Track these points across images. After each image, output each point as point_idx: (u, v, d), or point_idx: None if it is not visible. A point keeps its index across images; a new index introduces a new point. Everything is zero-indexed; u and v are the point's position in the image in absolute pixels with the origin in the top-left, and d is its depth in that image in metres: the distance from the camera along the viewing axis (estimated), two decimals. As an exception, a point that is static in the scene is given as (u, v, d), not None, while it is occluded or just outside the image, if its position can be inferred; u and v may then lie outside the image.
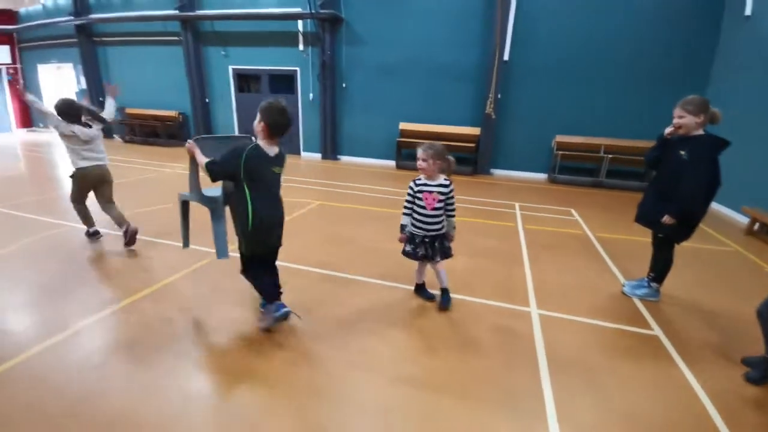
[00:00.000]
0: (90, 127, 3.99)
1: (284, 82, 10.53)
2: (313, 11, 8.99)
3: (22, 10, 13.46)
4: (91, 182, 4.10)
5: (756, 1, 6.29)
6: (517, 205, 6.48)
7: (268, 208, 2.55)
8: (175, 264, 3.72)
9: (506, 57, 8.43)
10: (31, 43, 13.53)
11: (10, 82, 13.85)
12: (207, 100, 11.43)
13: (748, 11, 6.40)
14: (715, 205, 6.45)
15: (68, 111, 3.84)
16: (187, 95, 11.32)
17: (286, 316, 2.72)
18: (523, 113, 8.83)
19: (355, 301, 3.21)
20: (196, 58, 10.90)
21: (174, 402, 2.10)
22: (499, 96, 8.60)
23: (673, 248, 3.25)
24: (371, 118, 9.93)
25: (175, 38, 10.96)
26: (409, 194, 2.96)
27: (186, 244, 3.52)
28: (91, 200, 4.20)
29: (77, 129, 3.85)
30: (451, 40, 8.81)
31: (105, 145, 4.24)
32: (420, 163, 2.84)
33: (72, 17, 11.73)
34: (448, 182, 2.90)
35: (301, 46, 9.93)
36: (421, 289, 3.31)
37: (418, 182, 2.91)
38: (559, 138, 8.56)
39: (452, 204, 2.95)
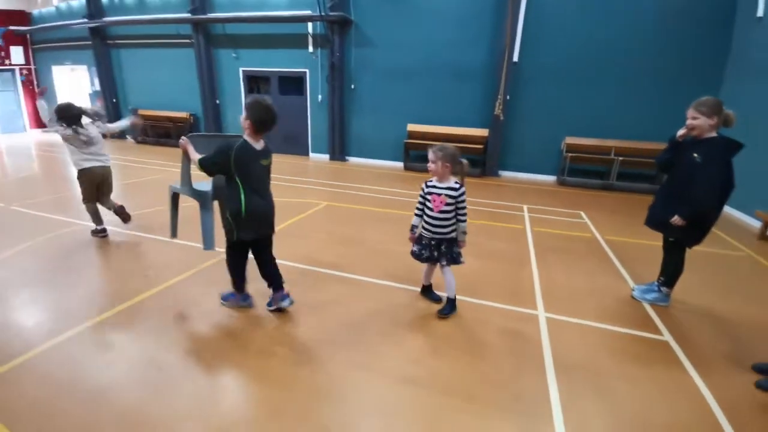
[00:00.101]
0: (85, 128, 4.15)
1: (293, 84, 10.60)
2: (322, 14, 9.04)
3: (35, 11, 13.72)
4: (96, 181, 4.26)
5: (769, 2, 6.19)
6: (525, 207, 6.44)
7: (259, 197, 2.72)
8: (185, 263, 3.76)
9: (516, 58, 8.39)
10: (45, 44, 13.78)
11: (23, 83, 14.10)
12: (218, 102, 11.54)
13: (760, 12, 6.30)
14: (727, 209, 6.35)
15: (67, 113, 3.99)
16: (198, 97, 11.45)
17: (249, 306, 3.05)
18: (532, 115, 8.78)
19: (362, 302, 3.22)
20: (208, 60, 11.03)
21: (181, 400, 2.12)
22: (508, 97, 8.56)
23: (684, 252, 3.21)
24: (379, 120, 9.95)
25: (187, 41, 11.10)
26: (420, 195, 2.96)
27: (174, 234, 3.70)
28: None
29: (80, 130, 4.01)
30: (460, 41, 8.79)
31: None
32: (429, 165, 2.84)
33: (86, 20, 11.93)
34: (458, 185, 2.83)
35: (310, 48, 9.99)
36: (427, 291, 3.31)
37: (428, 184, 2.91)
38: (569, 140, 8.49)
39: (463, 208, 2.87)
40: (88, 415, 1.99)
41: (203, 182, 3.25)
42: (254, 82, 11.24)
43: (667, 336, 2.91)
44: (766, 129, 5.83)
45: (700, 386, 2.38)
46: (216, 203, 3.22)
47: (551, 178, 8.97)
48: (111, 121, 5.16)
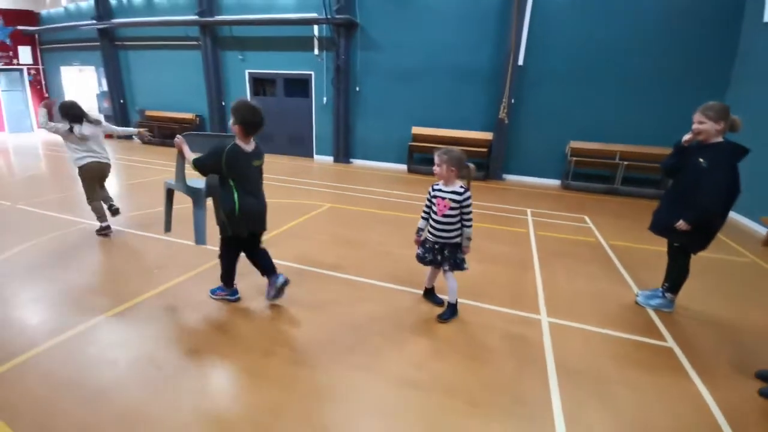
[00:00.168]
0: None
1: (299, 86, 10.65)
2: (328, 17, 9.10)
3: (43, 11, 13.86)
4: (93, 176, 4.39)
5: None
6: (529, 210, 6.43)
7: (251, 197, 2.82)
8: (189, 263, 3.78)
9: (521, 61, 8.39)
10: (53, 45, 13.92)
11: (31, 83, 14.24)
12: (223, 103, 11.61)
13: (767, 18, 6.28)
14: (732, 215, 6.30)
15: (70, 111, 4.17)
16: (205, 98, 11.53)
17: (236, 300, 3.13)
18: (536, 118, 8.77)
19: (364, 304, 3.22)
20: (214, 62, 11.11)
21: (182, 400, 2.13)
22: (512, 101, 8.56)
23: (689, 258, 3.18)
24: (384, 122, 9.98)
25: (194, 43, 11.19)
26: (427, 198, 2.96)
27: (168, 228, 3.81)
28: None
29: (75, 128, 4.16)
30: (465, 44, 8.81)
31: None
32: (434, 168, 2.83)
33: (95, 21, 12.05)
34: (462, 190, 2.80)
35: (316, 51, 10.04)
36: (429, 294, 3.30)
37: (435, 187, 2.90)
38: (574, 144, 8.47)
39: (468, 213, 2.82)
40: (88, 414, 2.00)
41: (197, 179, 3.33)
42: (260, 84, 11.31)
43: (670, 342, 2.88)
44: (772, 135, 5.79)
45: (704, 393, 2.36)
46: (210, 201, 3.32)
47: (555, 182, 8.95)
48: (118, 123, 5.27)
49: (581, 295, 3.56)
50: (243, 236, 2.87)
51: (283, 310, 3.07)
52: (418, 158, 9.66)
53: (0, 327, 2.73)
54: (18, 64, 13.83)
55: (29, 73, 14.16)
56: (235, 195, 2.72)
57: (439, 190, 2.86)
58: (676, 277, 3.26)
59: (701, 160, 2.83)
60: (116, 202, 4.70)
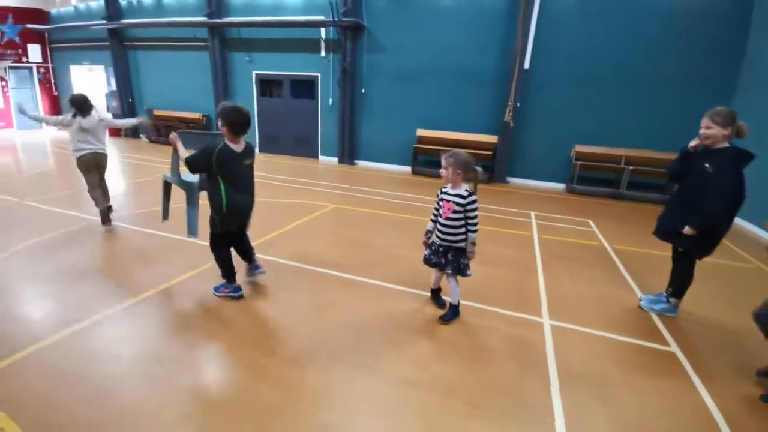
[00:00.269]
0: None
1: (305, 88, 10.70)
2: (335, 19, 9.14)
3: (53, 11, 14.01)
4: (90, 166, 4.55)
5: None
6: (533, 214, 6.42)
7: (240, 195, 2.95)
8: (193, 261, 3.81)
9: (527, 65, 8.38)
10: (63, 44, 14.07)
11: (40, 81, 14.39)
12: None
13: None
14: (737, 221, 6.26)
15: (82, 104, 4.35)
16: (212, 98, 11.61)
17: (239, 298, 3.17)
18: (542, 122, 8.76)
19: (365, 304, 3.24)
20: (222, 63, 11.19)
21: (183, 398, 2.15)
22: (518, 104, 8.56)
23: (694, 263, 3.18)
24: (389, 124, 10.00)
25: (203, 44, 11.28)
26: (436, 200, 2.97)
27: (165, 217, 4.14)
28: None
29: (78, 119, 4.32)
30: (471, 47, 8.82)
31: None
32: (441, 171, 2.84)
33: (104, 21, 12.18)
34: (467, 193, 2.79)
35: (322, 53, 10.09)
36: (435, 294, 3.31)
37: (442, 190, 2.91)
38: (579, 148, 8.44)
39: (473, 218, 2.80)
40: (90, 409, 2.03)
41: (191, 174, 3.39)
42: (267, 85, 11.36)
43: (674, 347, 2.87)
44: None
45: (705, 398, 2.35)
46: (202, 194, 3.46)
47: (560, 186, 8.92)
48: None
49: (584, 299, 3.55)
50: (232, 230, 3.05)
51: (286, 308, 3.09)
52: (423, 160, 9.67)
53: (5, 321, 2.77)
54: (27, 62, 13.98)
55: (39, 72, 14.31)
56: (223, 192, 2.84)
57: (446, 193, 2.87)
58: (680, 282, 3.25)
59: (707, 165, 2.82)
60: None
